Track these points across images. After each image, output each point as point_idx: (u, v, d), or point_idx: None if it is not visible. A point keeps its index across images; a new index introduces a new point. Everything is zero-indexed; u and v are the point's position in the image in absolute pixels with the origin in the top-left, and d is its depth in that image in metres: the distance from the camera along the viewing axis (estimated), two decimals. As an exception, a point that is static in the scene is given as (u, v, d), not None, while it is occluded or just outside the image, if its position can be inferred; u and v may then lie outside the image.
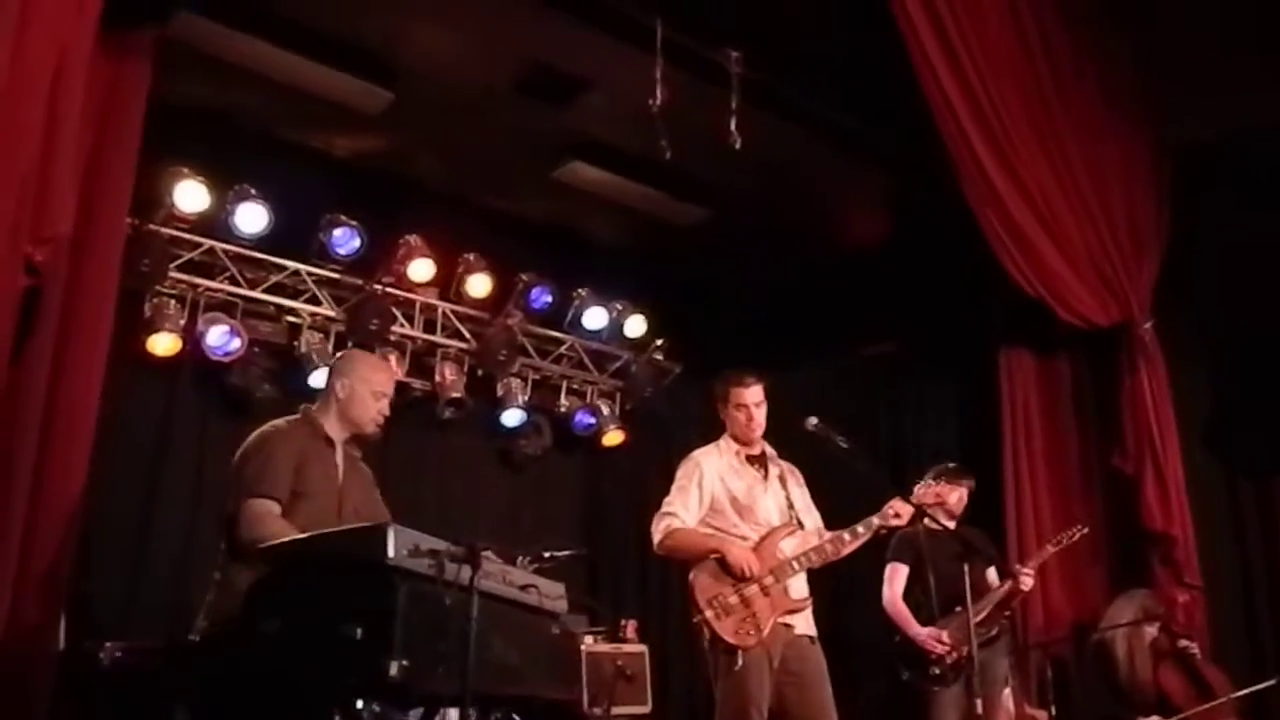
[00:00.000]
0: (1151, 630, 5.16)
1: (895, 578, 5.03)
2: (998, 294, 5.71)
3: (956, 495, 4.93)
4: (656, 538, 4.10)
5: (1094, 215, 5.48)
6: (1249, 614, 5.93)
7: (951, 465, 5.13)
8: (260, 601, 2.59)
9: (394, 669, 2.32)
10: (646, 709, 6.00)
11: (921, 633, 4.84)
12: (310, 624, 2.44)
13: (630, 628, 6.31)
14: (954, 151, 5.04)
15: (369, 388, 3.62)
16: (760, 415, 4.18)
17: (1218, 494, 5.97)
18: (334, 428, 3.59)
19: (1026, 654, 5.29)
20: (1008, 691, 5.02)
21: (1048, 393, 5.95)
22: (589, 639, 6.06)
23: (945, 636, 4.77)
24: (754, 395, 4.19)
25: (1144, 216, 5.75)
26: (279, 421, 3.59)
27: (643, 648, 6.15)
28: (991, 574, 5.05)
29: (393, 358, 6.25)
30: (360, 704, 2.74)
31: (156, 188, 5.40)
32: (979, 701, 3.87)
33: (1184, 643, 5.06)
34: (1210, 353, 6.16)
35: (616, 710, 5.79)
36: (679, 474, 4.21)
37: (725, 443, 4.26)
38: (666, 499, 4.16)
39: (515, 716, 5.19)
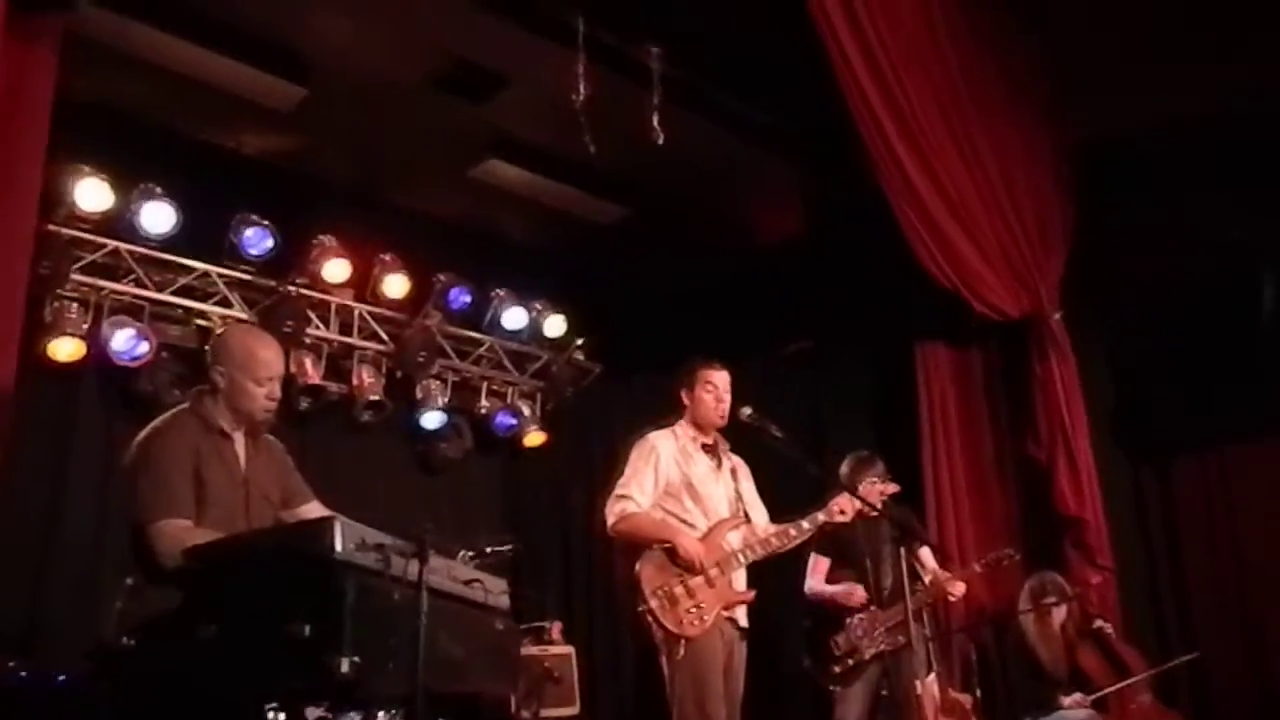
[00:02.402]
0: (1061, 611, 5.31)
1: (819, 569, 5.00)
2: (912, 288, 5.82)
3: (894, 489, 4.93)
4: (610, 520, 4.04)
5: (1004, 209, 5.62)
6: (1152, 595, 6.16)
7: (865, 454, 5.06)
8: (195, 606, 2.47)
9: (345, 666, 2.24)
10: (575, 710, 5.98)
11: (838, 589, 4.77)
12: (253, 625, 2.34)
13: (556, 629, 6.27)
14: (870, 146, 5.12)
15: (249, 375, 3.22)
16: (728, 399, 4.22)
17: (1121, 480, 6.19)
18: (225, 418, 3.23)
19: (949, 640, 5.40)
20: (932, 677, 5.10)
21: (962, 384, 6.10)
22: (516, 641, 6.00)
23: (860, 592, 4.72)
24: (723, 378, 4.25)
25: (1051, 211, 5.93)
26: (166, 419, 3.21)
27: (569, 649, 6.12)
28: (926, 554, 5.04)
29: (309, 360, 6.11)
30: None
31: (57, 187, 5.16)
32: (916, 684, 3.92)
33: (1099, 623, 5.22)
34: (1111, 344, 6.39)
35: (545, 712, 5.75)
36: (633, 455, 4.16)
37: (681, 428, 4.26)
38: (621, 480, 4.10)
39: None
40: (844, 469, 4.91)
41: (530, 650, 5.94)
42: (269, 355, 3.32)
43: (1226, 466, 6.05)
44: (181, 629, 2.44)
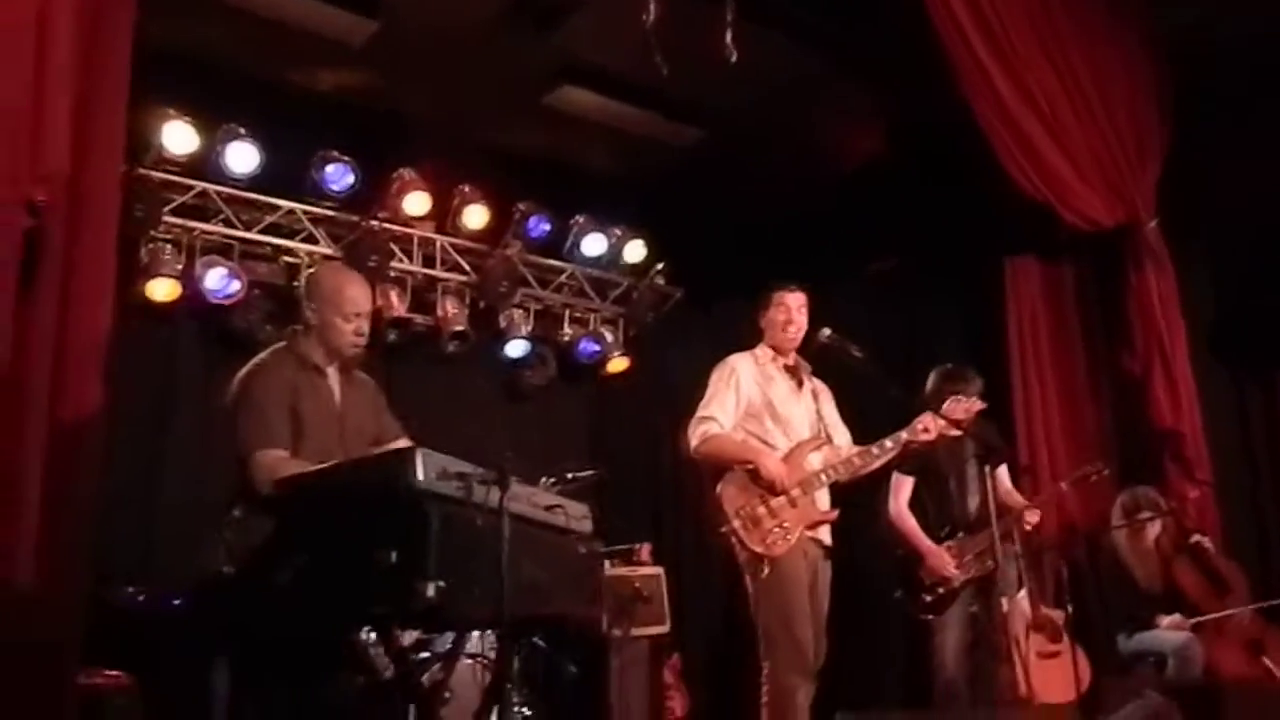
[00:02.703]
0: (1155, 527, 5.19)
1: (901, 489, 4.88)
2: (1000, 202, 5.65)
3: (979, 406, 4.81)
4: (694, 442, 4.05)
5: (1096, 117, 5.41)
6: (1255, 511, 5.99)
7: (952, 367, 4.90)
8: (286, 536, 2.57)
9: (430, 591, 2.31)
10: (665, 629, 6.09)
11: (932, 550, 4.68)
12: (342, 553, 2.42)
13: (645, 551, 6.36)
14: (955, 56, 4.97)
15: (337, 311, 3.38)
16: (800, 320, 4.20)
17: (1223, 394, 6.00)
18: (319, 355, 3.41)
19: (1040, 557, 5.33)
20: (1023, 594, 5.06)
21: (1054, 298, 5.95)
22: (606, 563, 6.13)
23: (948, 565, 4.63)
24: (796, 299, 4.23)
25: (1146, 118, 5.68)
26: (264, 356, 3.40)
27: (658, 570, 6.21)
28: (1002, 473, 4.90)
29: (394, 293, 6.22)
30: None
31: (143, 131, 5.31)
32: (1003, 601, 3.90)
33: (1197, 537, 5.10)
34: (1213, 254, 6.14)
35: (636, 631, 5.87)
36: (714, 377, 4.16)
37: (762, 350, 4.25)
38: (703, 402, 4.11)
39: (539, 642, 5.30)
40: (930, 382, 4.82)
41: (620, 571, 6.06)
42: (356, 292, 3.45)
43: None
44: (275, 558, 2.55)
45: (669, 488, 6.96)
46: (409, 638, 3.88)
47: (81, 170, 3.15)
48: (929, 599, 4.68)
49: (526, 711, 4.78)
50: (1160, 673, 4.81)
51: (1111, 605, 5.27)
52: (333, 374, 3.45)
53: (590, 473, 4.41)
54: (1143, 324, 5.51)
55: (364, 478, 2.51)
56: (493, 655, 4.41)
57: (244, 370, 3.35)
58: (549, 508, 2.96)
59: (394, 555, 2.33)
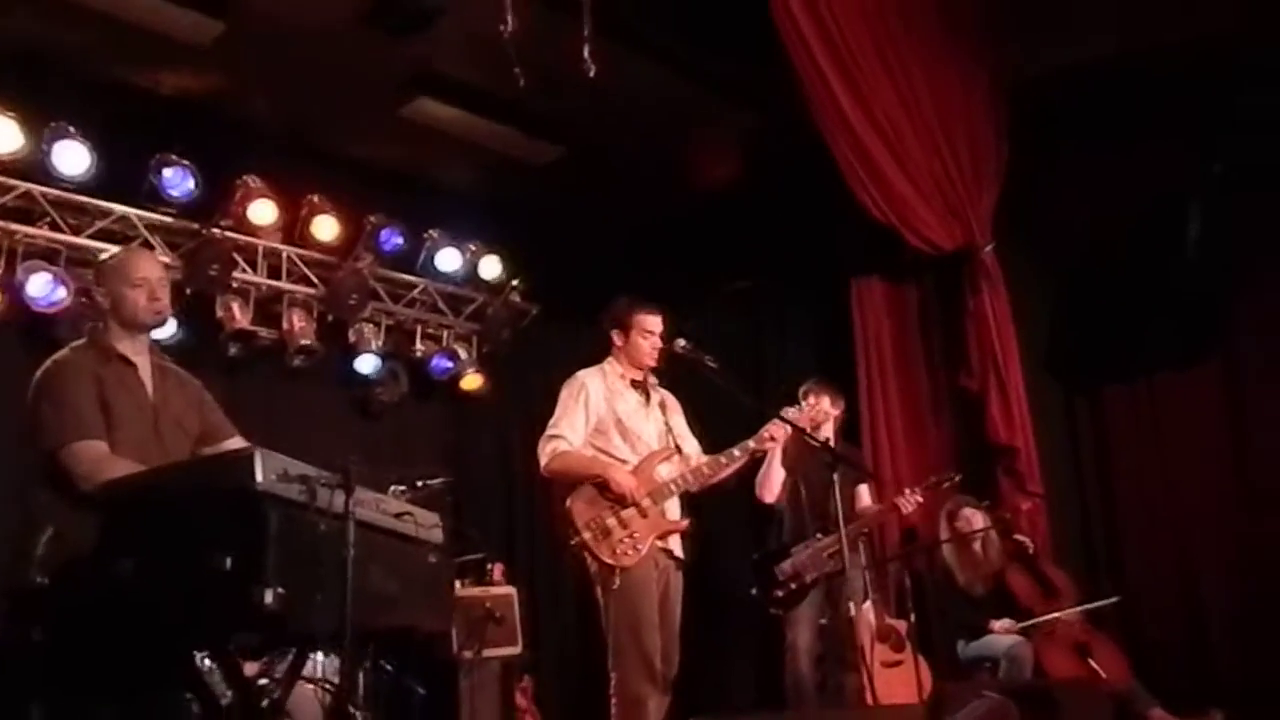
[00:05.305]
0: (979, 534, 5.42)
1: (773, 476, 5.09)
2: (848, 225, 5.84)
3: (831, 413, 4.97)
4: (544, 460, 4.06)
5: (938, 143, 5.64)
6: (1083, 521, 6.32)
7: (817, 382, 5.16)
8: (111, 542, 2.40)
9: (269, 597, 2.19)
10: (517, 649, 6.00)
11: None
12: (172, 559, 2.28)
13: (498, 570, 6.27)
14: (806, 81, 5.13)
15: (125, 280, 3.22)
16: (660, 343, 4.23)
17: (1055, 409, 6.31)
18: (123, 342, 3.21)
19: (885, 568, 5.49)
20: (869, 604, 5.21)
21: (897, 318, 6.16)
22: (457, 583, 6.00)
23: (787, 566, 4.88)
24: (658, 323, 4.27)
25: (984, 145, 5.94)
26: (63, 352, 3.18)
27: (511, 590, 6.12)
28: (863, 491, 5.14)
29: (236, 305, 5.98)
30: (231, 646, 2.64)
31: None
32: (849, 606, 4.00)
33: (1019, 537, 5.34)
34: (1045, 279, 6.47)
35: (488, 652, 5.77)
36: (563, 394, 4.17)
37: (610, 365, 4.26)
38: (552, 420, 4.13)
39: (385, 665, 5.13)
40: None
41: (472, 591, 5.95)
42: (140, 259, 3.36)
43: (1155, 394, 6.18)
44: (100, 566, 2.38)
45: (524, 507, 6.89)
46: (251, 667, 3.72)
47: None
48: (781, 594, 4.85)
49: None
50: (995, 676, 5.00)
51: (947, 614, 5.46)
52: (144, 366, 3.26)
53: (440, 480, 4.33)
54: (979, 344, 5.75)
55: (199, 479, 2.38)
56: (334, 679, 4.26)
57: (41, 369, 3.13)
58: (398, 515, 2.86)
59: (228, 560, 2.21)
